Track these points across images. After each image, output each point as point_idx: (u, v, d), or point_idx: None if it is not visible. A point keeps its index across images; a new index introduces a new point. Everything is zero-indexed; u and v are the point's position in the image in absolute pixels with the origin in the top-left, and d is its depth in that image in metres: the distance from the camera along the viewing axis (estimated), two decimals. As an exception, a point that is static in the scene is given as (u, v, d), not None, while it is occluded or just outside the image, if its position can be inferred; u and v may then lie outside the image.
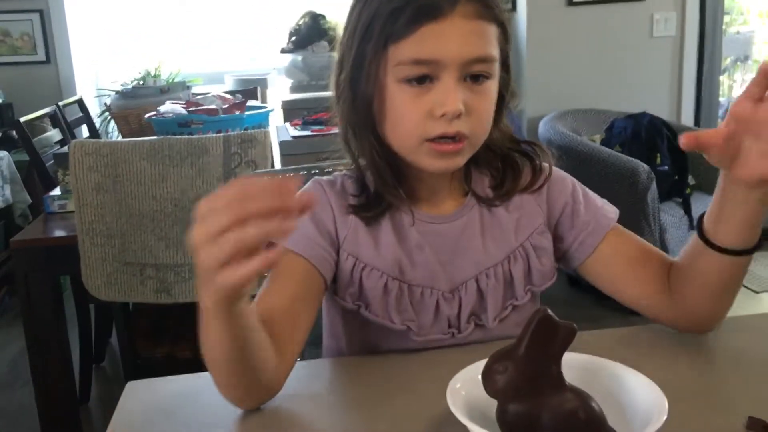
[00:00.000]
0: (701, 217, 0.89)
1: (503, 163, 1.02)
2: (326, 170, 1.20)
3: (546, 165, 1.02)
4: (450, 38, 0.86)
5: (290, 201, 0.60)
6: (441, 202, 1.01)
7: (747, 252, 0.87)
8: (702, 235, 0.88)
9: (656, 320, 1.00)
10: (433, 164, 0.93)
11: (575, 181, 1.06)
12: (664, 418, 0.67)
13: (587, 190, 1.06)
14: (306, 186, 1.01)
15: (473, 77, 0.89)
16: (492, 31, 0.89)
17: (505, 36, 0.92)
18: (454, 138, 0.89)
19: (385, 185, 0.96)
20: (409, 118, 0.89)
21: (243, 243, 0.60)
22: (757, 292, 3.24)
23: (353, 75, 0.92)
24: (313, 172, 1.17)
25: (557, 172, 1.04)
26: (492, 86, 0.92)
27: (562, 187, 1.04)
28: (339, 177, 1.02)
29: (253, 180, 0.61)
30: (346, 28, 0.94)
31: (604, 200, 1.05)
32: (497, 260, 0.99)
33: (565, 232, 1.03)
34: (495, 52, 0.90)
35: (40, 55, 4.10)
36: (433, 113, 0.88)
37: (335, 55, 0.97)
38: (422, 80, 0.88)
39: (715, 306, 0.94)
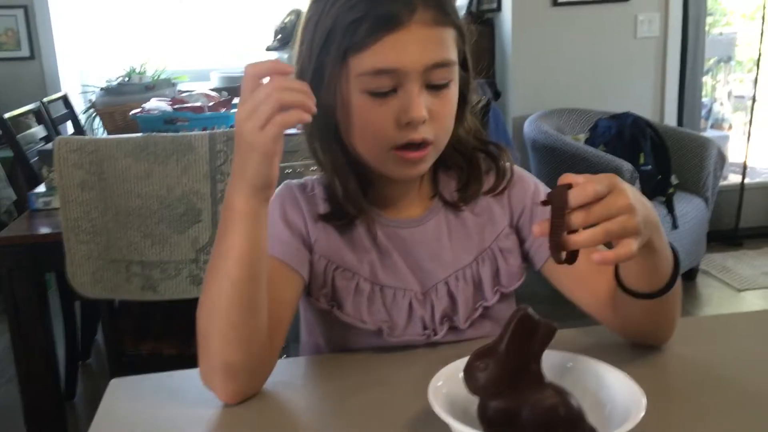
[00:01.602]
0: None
1: (468, 165, 1.02)
2: (298, 170, 1.20)
3: (507, 167, 1.03)
4: (410, 46, 0.86)
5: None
6: (409, 206, 1.02)
7: (651, 296, 0.86)
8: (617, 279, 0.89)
9: (609, 329, 0.98)
10: (400, 172, 0.94)
11: (537, 181, 1.06)
12: (642, 414, 0.68)
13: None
14: (277, 189, 1.00)
15: (435, 87, 0.90)
16: (450, 35, 0.90)
17: (462, 38, 0.93)
18: (420, 145, 0.90)
19: (350, 197, 0.96)
20: (376, 127, 0.90)
21: (279, 104, 0.77)
22: (738, 291, 3.27)
23: (314, 87, 0.87)
24: (285, 171, 1.17)
25: (519, 172, 1.05)
26: (453, 90, 0.93)
27: (524, 188, 1.04)
28: (311, 181, 1.02)
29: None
30: (303, 40, 0.93)
31: None
32: (466, 263, 1.00)
33: (525, 235, 1.04)
34: (454, 55, 0.91)
35: (24, 51, 4.07)
36: (399, 121, 0.89)
37: (294, 66, 0.96)
38: (386, 93, 0.88)
39: (653, 330, 0.94)
